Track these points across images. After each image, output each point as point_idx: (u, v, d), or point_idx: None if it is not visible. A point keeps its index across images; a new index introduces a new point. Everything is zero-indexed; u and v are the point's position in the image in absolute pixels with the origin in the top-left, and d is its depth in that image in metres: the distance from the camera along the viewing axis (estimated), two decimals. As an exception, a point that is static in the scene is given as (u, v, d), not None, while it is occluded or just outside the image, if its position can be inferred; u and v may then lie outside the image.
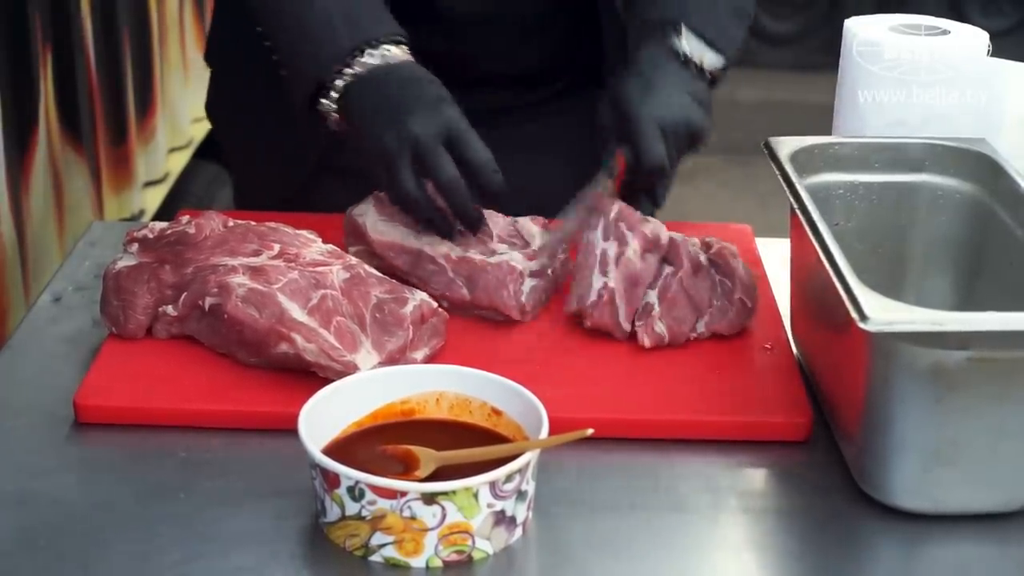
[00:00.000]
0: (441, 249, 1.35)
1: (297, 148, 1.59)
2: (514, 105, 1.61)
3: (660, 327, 1.29)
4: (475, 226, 1.36)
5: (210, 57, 1.75)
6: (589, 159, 1.45)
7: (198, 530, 1.06)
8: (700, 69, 1.45)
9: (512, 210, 1.41)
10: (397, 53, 1.37)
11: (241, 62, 1.62)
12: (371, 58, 1.36)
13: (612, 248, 1.32)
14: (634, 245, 1.32)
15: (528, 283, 1.33)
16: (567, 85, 1.65)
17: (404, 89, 1.34)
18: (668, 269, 1.32)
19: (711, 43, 1.45)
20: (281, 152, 1.63)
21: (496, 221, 1.39)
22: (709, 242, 1.36)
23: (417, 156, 1.31)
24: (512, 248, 1.36)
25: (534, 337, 1.32)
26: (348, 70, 1.36)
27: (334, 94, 1.36)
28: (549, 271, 1.36)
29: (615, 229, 1.33)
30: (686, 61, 1.44)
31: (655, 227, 1.33)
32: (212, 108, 1.78)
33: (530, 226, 1.40)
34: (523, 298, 1.33)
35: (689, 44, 1.44)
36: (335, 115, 1.37)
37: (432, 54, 1.42)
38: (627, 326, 1.30)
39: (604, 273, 1.31)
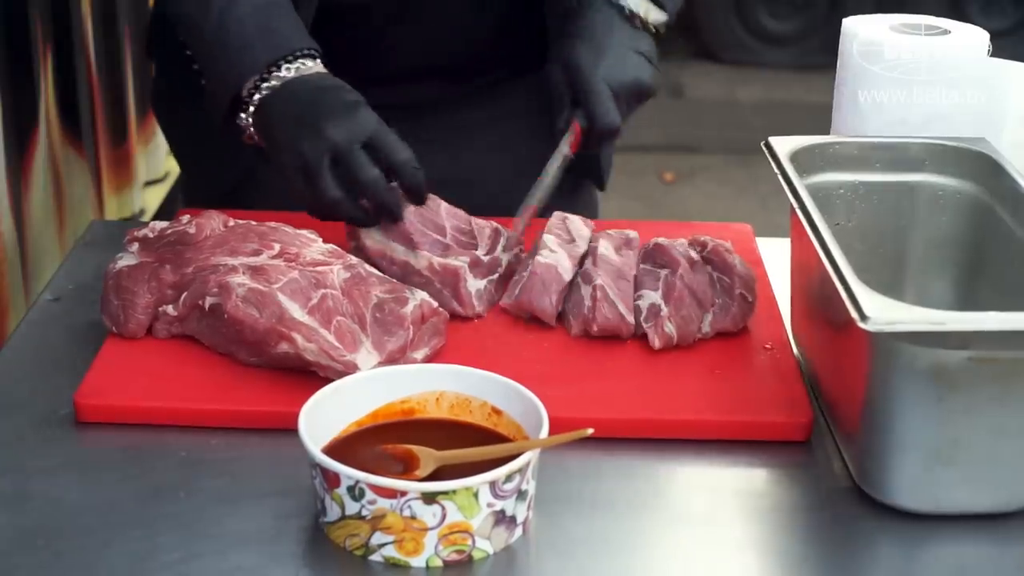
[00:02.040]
0: (422, 262, 1.35)
1: (237, 139, 1.60)
2: (440, 98, 1.61)
3: (670, 327, 1.29)
4: (397, 217, 1.36)
5: (151, 50, 1.75)
6: (515, 149, 1.47)
7: (198, 530, 1.06)
8: (644, 24, 1.50)
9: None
10: (311, 66, 1.39)
11: (180, 53, 1.62)
12: (287, 72, 1.37)
13: (588, 260, 1.36)
14: (604, 243, 1.36)
15: (476, 283, 1.35)
16: (494, 79, 1.65)
17: (318, 97, 1.35)
18: (665, 271, 1.32)
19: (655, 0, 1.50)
20: (222, 142, 1.62)
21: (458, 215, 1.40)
22: (703, 241, 1.36)
23: (336, 160, 1.31)
24: (467, 248, 1.38)
25: (533, 337, 1.32)
26: (264, 84, 1.37)
27: (251, 107, 1.37)
28: (500, 268, 1.39)
29: (568, 237, 1.38)
30: (631, 16, 1.49)
31: (622, 232, 1.40)
32: (156, 101, 1.79)
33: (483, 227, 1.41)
34: (474, 300, 1.35)
35: (634, 1, 1.49)
36: (251, 129, 1.38)
37: (355, 49, 1.43)
38: (631, 320, 1.30)
39: (588, 280, 1.32)
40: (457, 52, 1.60)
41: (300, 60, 1.38)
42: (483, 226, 1.40)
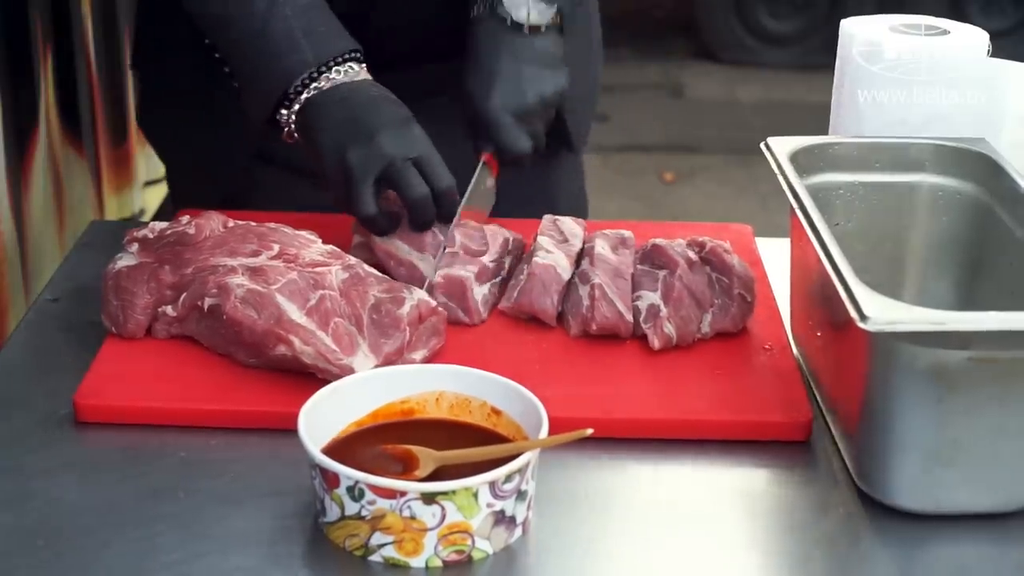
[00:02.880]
0: (428, 269, 1.35)
1: (232, 143, 1.60)
2: (432, 87, 1.60)
3: (669, 328, 1.29)
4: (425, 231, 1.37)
5: (137, 62, 1.74)
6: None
7: (198, 530, 1.06)
8: (534, 28, 1.44)
9: None
10: (358, 70, 1.39)
11: (169, 62, 1.62)
12: (336, 74, 1.38)
13: (584, 260, 1.35)
14: (601, 242, 1.36)
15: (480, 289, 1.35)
16: None
17: (371, 107, 1.36)
18: (663, 272, 1.32)
19: None
20: (217, 149, 1.63)
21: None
22: (702, 241, 1.36)
23: (386, 174, 1.32)
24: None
25: (532, 337, 1.32)
26: (313, 83, 1.37)
27: (296, 105, 1.38)
28: (503, 273, 1.38)
29: (561, 237, 1.38)
30: (516, 25, 1.44)
31: (617, 231, 1.39)
32: (142, 113, 1.78)
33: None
34: (480, 305, 1.34)
35: (513, 7, 1.44)
36: (291, 126, 1.39)
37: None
38: (629, 318, 1.30)
39: (585, 280, 1.32)
40: (446, 40, 1.60)
41: (348, 64, 1.39)
42: (496, 233, 1.40)
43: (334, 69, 1.38)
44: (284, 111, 1.38)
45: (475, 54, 1.44)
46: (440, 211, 1.35)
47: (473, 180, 1.42)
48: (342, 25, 1.42)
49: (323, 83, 1.37)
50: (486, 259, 1.37)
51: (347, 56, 1.39)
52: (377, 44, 1.46)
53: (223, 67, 1.46)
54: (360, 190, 1.32)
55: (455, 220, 1.37)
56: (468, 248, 1.37)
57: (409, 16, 1.57)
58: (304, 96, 1.37)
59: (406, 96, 1.42)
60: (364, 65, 1.41)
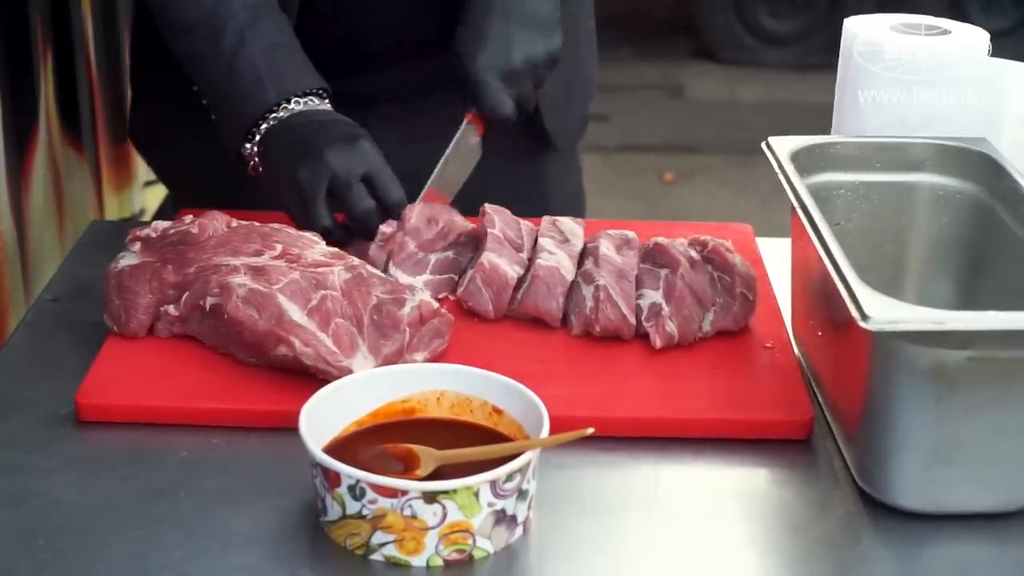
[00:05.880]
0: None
1: (226, 162, 1.60)
2: (428, 87, 1.60)
3: (671, 327, 1.29)
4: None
5: (134, 79, 1.77)
6: (501, 142, 1.48)
7: (198, 529, 1.06)
8: None
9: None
10: (318, 103, 1.42)
11: (165, 79, 1.62)
12: (296, 105, 1.41)
13: (588, 260, 1.35)
14: (605, 243, 1.36)
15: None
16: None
17: (322, 128, 1.38)
18: (665, 271, 1.32)
19: None
20: (215, 160, 1.63)
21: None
22: (704, 240, 1.36)
23: (333, 188, 1.34)
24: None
25: (535, 336, 1.32)
26: (272, 115, 1.40)
27: (257, 137, 1.41)
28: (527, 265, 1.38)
29: (562, 238, 1.38)
30: None
31: (621, 232, 1.40)
32: (137, 130, 1.79)
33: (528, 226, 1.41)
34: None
35: None
36: (255, 159, 1.41)
37: (342, 36, 1.47)
38: (633, 320, 1.30)
39: (589, 280, 1.32)
40: (437, 36, 1.60)
41: (308, 98, 1.41)
42: (532, 230, 1.41)
43: (294, 101, 1.41)
44: (248, 144, 1.41)
45: (467, 13, 1.45)
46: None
47: (456, 137, 1.43)
48: (310, 63, 1.44)
49: (282, 113, 1.40)
50: (523, 256, 1.37)
51: (309, 92, 1.42)
52: (369, 42, 1.46)
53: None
54: (314, 206, 1.34)
55: (434, 174, 1.40)
56: (507, 236, 1.38)
57: (399, 13, 1.57)
58: (264, 127, 1.40)
59: (402, 94, 1.42)
60: (327, 100, 1.43)
